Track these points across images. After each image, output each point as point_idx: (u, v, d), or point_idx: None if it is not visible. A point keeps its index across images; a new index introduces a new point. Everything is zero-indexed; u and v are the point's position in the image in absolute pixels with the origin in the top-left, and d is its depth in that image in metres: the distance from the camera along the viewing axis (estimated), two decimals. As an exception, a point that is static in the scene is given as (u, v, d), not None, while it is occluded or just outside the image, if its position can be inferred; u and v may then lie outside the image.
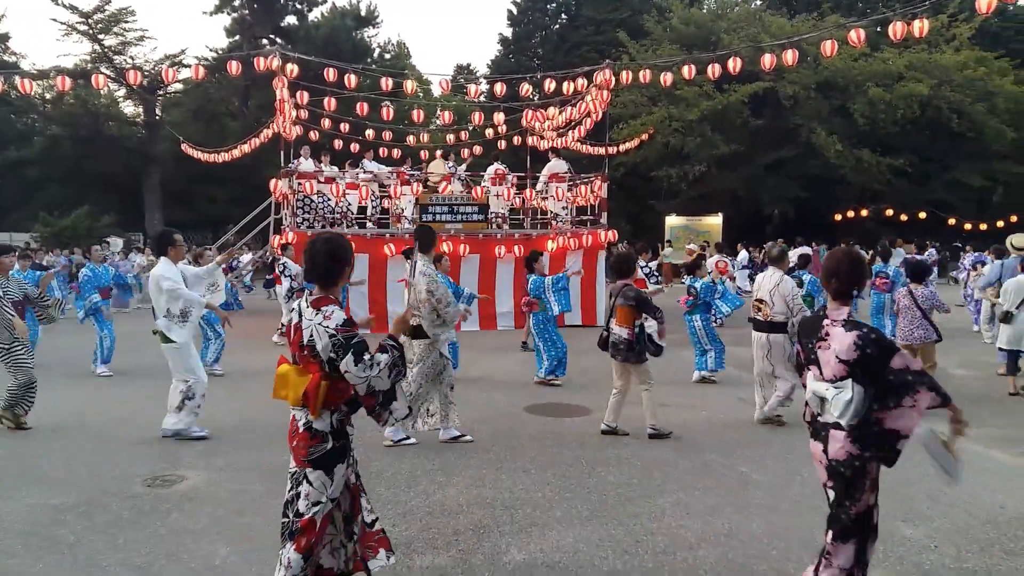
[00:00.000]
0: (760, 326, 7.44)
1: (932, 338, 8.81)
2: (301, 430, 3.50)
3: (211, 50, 37.38)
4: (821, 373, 3.47)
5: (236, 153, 19.84)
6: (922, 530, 4.83)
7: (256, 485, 5.62)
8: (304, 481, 3.49)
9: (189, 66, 31.28)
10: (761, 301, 7.39)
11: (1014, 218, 28.34)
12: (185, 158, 23.19)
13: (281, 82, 14.61)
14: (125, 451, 6.56)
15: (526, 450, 6.57)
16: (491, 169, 16.92)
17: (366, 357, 3.30)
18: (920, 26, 10.26)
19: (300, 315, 3.50)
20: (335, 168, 16.53)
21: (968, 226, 28.91)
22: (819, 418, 3.52)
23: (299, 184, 14.89)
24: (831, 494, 3.48)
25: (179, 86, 36.35)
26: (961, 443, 6.60)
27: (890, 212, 29.75)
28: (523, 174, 17.64)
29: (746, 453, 6.51)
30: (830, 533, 3.48)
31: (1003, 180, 29.72)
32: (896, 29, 10.23)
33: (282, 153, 15.25)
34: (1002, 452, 6.54)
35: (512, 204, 16.47)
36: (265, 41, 35.09)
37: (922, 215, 29.29)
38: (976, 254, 16.88)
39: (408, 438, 6.77)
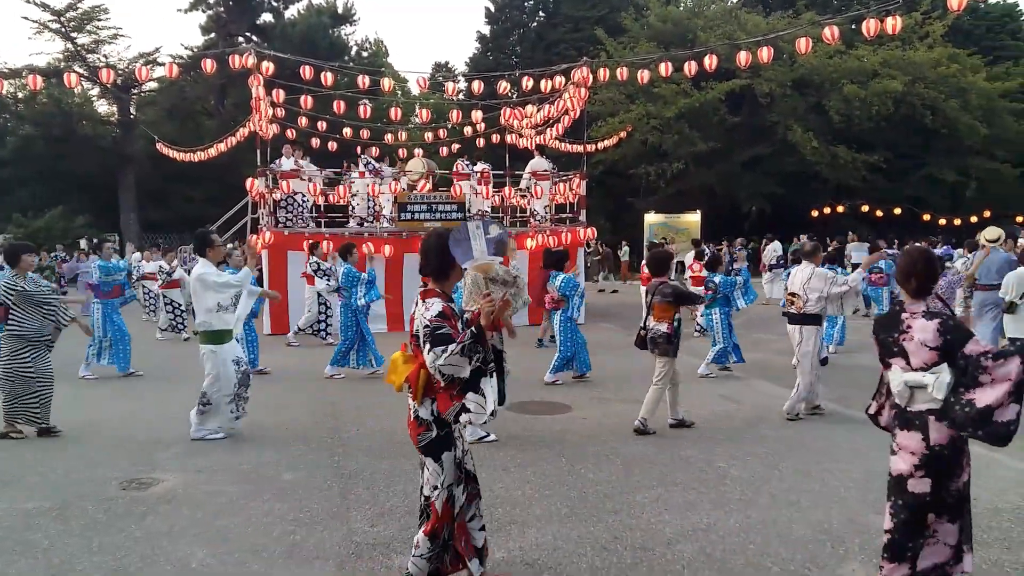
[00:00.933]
0: (794, 319, 7.67)
1: None
2: (411, 418, 3.69)
3: (186, 48, 37.16)
4: (909, 364, 3.60)
5: (212, 152, 19.65)
6: (897, 522, 4.88)
7: (233, 487, 5.58)
8: (422, 467, 3.74)
9: (163, 64, 30.98)
10: (794, 295, 7.60)
11: (987, 213, 28.74)
12: (160, 157, 22.97)
13: (257, 80, 14.48)
14: (100, 454, 6.48)
15: (506, 448, 6.57)
16: (478, 167, 16.87)
17: (439, 347, 3.36)
18: (893, 23, 10.36)
19: (415, 305, 3.67)
20: (314, 166, 16.44)
21: (943, 221, 29.28)
22: (909, 408, 3.64)
23: (278, 183, 14.79)
24: (923, 484, 3.59)
25: (154, 85, 35.96)
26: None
27: (866, 208, 30.06)
28: (502, 172, 17.62)
29: (725, 449, 6.55)
30: (940, 516, 3.63)
31: (976, 176, 30.13)
32: (870, 26, 10.32)
33: (258, 152, 15.13)
34: (976, 445, 6.60)
35: (492, 202, 16.47)
36: (241, 39, 34.82)
37: (897, 211, 29.61)
38: (945, 248, 17.08)
39: (488, 436, 6.80)
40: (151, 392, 9.21)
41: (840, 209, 30.53)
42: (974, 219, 26.84)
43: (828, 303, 7.68)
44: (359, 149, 18.73)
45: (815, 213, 30.53)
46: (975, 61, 30.18)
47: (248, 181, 14.97)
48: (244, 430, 7.09)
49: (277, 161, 15.78)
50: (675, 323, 7.13)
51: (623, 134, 26.17)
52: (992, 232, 10.54)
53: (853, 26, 17.91)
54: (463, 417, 3.52)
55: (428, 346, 3.39)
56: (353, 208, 15.83)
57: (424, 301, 3.57)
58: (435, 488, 3.65)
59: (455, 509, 3.73)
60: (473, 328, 3.43)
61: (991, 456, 6.30)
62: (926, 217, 29.66)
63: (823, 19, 20.86)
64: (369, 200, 15.65)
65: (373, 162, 16.73)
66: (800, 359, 7.65)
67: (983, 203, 29.76)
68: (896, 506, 3.66)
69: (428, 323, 3.43)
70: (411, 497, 5.33)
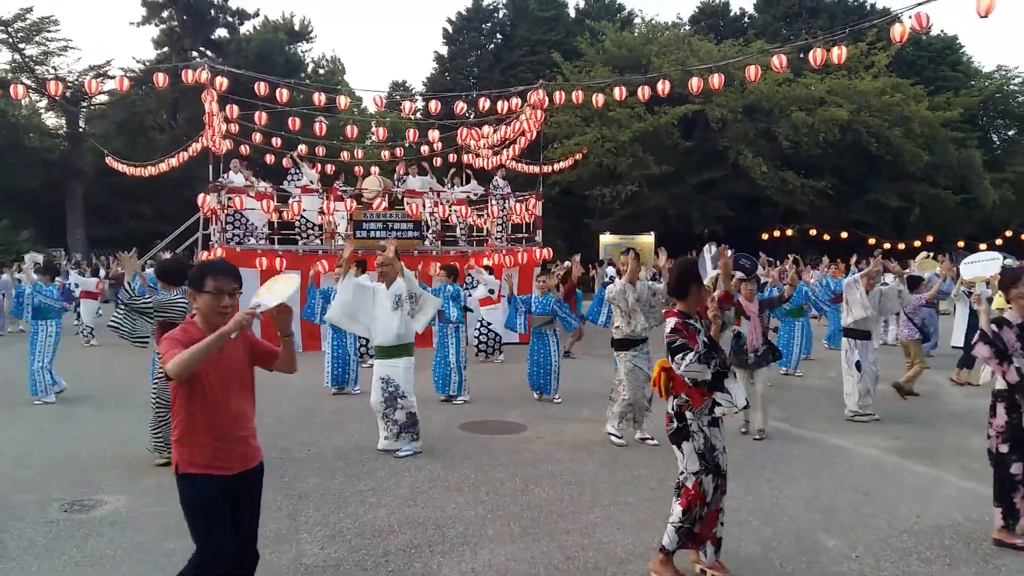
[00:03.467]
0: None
1: (915, 337, 9.97)
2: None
3: (138, 61, 36.57)
4: None
5: (163, 167, 19.33)
6: (843, 540, 4.98)
7: (179, 509, 5.43)
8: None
9: (115, 77, 30.39)
10: None
11: (930, 238, 29.72)
12: (110, 172, 22.52)
13: (210, 95, 14.33)
14: (41, 475, 6.27)
15: (460, 468, 6.54)
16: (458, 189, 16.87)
17: (678, 356, 4.19)
18: (839, 53, 10.70)
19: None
20: (264, 184, 16.26)
21: (887, 245, 30.14)
22: None
23: (229, 199, 14.60)
24: None
25: (104, 98, 35.28)
26: (880, 456, 6.84)
27: (813, 232, 30.79)
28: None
29: (675, 467, 6.59)
30: None
31: (919, 201, 31.11)
32: (817, 56, 10.65)
33: (211, 167, 14.94)
34: (920, 464, 6.80)
35: (447, 221, 16.49)
36: (195, 53, 34.40)
37: (843, 235, 30.40)
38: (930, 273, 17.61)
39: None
40: (95, 412, 8.94)
41: (789, 232, 31.24)
42: (917, 243, 27.70)
43: None
44: (287, 164, 18.49)
45: (765, 236, 31.17)
46: (918, 91, 31.26)
47: (200, 197, 14.76)
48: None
49: (225, 175, 15.60)
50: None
51: (579, 156, 26.47)
52: (925, 263, 11.10)
53: (801, 55, 18.46)
54: (716, 410, 4.32)
55: (670, 356, 4.24)
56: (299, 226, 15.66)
57: (666, 320, 4.45)
58: (681, 473, 4.41)
59: (706, 495, 4.32)
60: (706, 339, 4.29)
61: (935, 475, 6.48)
62: (871, 241, 30.51)
63: (772, 47, 21.46)
64: (306, 216, 15.51)
65: (302, 170, 16.48)
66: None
67: (925, 228, 30.75)
68: None
69: (666, 338, 4.28)
70: (363, 519, 5.28)
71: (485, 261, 14.97)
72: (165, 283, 6.61)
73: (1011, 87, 37.09)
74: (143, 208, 32.69)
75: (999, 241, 31.66)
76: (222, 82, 14.20)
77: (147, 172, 19.71)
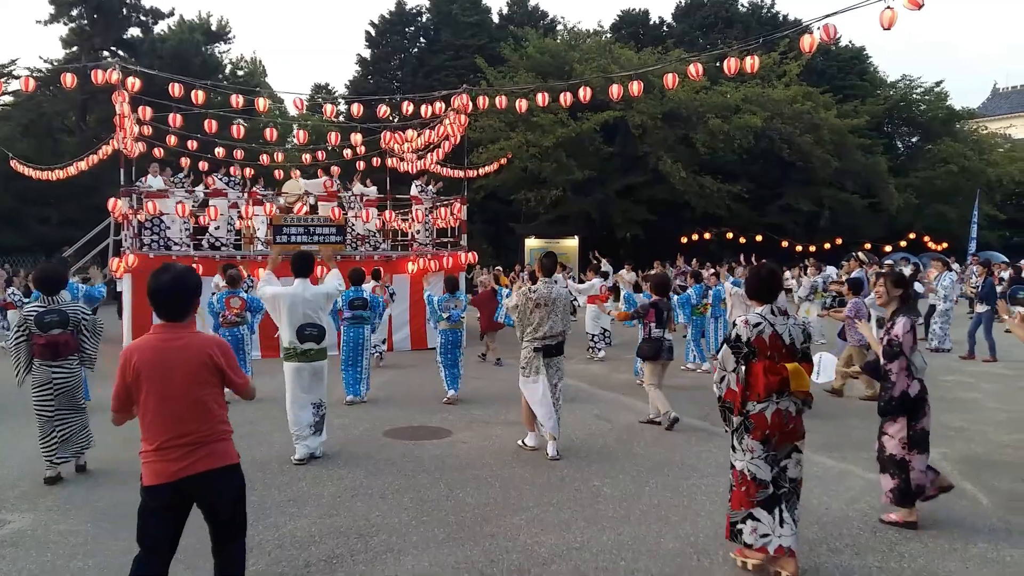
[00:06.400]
0: None
1: (862, 343, 9.79)
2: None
3: (45, 61, 34.82)
4: None
5: (72, 171, 18.52)
6: (757, 532, 5.14)
7: (89, 526, 5.24)
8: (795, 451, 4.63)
9: (19, 77, 28.97)
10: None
11: (839, 240, 30.96)
12: (14, 176, 21.38)
13: (122, 96, 13.81)
14: (-65, 497, 5.94)
15: (383, 475, 6.48)
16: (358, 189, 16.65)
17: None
18: (752, 62, 11.04)
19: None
20: (182, 191, 15.78)
21: (799, 248, 31.27)
22: None
23: (146, 204, 14.11)
24: None
25: (8, 99, 33.55)
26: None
27: (730, 235, 31.68)
28: (383, 196, 17.50)
29: (599, 467, 6.72)
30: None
31: (829, 205, 32.36)
32: (731, 64, 10.95)
33: (122, 171, 14.39)
34: (828, 458, 7.08)
35: (373, 225, 16.32)
36: (106, 53, 33.04)
37: (759, 238, 31.36)
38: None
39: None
40: (-3, 427, 8.52)
41: (707, 236, 32.04)
42: (827, 246, 28.83)
43: None
44: (204, 166, 18.05)
45: (684, 239, 31.91)
46: (827, 99, 32.54)
47: (111, 201, 14.22)
48: (101, 464, 6.68)
49: (143, 179, 15.07)
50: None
51: (503, 161, 26.55)
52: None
53: (717, 64, 18.96)
54: None
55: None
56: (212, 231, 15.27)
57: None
58: None
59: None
60: None
61: (843, 468, 6.76)
62: (784, 244, 31.61)
63: (690, 56, 21.97)
64: (227, 221, 15.15)
65: (224, 179, 16.16)
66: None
67: (835, 231, 32.03)
68: None
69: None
70: (282, 530, 5.18)
71: (409, 266, 14.92)
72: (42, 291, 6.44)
73: (914, 96, 38.97)
74: (51, 213, 31.21)
75: (903, 243, 33.25)
76: (134, 83, 13.70)
77: (55, 176, 18.86)
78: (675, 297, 11.74)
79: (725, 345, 4.55)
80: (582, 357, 13.64)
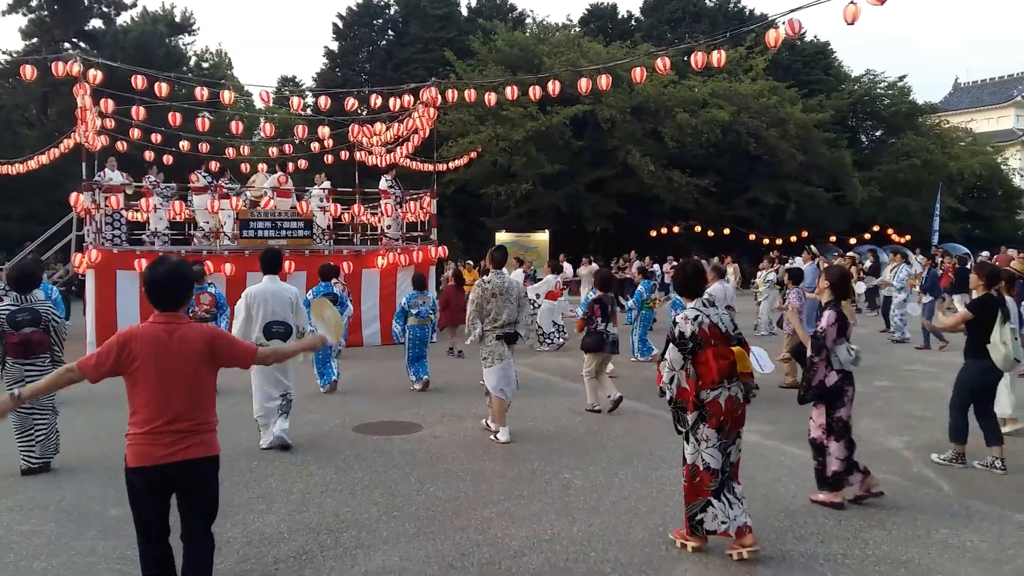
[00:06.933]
0: None
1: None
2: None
3: (4, 53, 33.93)
4: None
5: (33, 165, 18.16)
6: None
7: (51, 526, 5.14)
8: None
9: (-24, 69, 28.31)
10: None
11: (805, 233, 31.39)
12: (-27, 170, 20.91)
13: (83, 89, 13.55)
14: None
15: (354, 471, 6.45)
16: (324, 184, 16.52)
17: None
18: (719, 57, 11.14)
19: None
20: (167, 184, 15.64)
21: (766, 240, 31.68)
22: None
23: (105, 198, 13.87)
24: None
25: (-35, 91, 32.76)
26: (760, 441, 7.14)
27: (699, 228, 32.00)
28: (351, 189, 17.37)
29: (570, 460, 6.75)
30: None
31: (794, 199, 32.76)
32: (698, 59, 11.05)
33: (84, 165, 14.12)
34: (796, 447, 7.17)
35: (340, 219, 16.22)
36: (67, 45, 32.40)
37: (726, 231, 31.72)
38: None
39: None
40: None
41: (676, 229, 32.33)
42: (793, 239, 29.23)
43: None
44: (168, 160, 17.88)
45: (654, 233, 32.15)
46: (792, 93, 32.92)
47: (73, 196, 13.95)
48: (65, 462, 6.57)
49: (102, 173, 14.82)
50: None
51: (473, 155, 26.50)
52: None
53: (685, 58, 19.11)
54: None
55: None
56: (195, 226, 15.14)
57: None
58: None
59: None
60: None
61: (810, 458, 6.85)
62: (752, 237, 31.97)
63: (658, 50, 22.07)
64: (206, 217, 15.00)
65: (208, 176, 16.08)
66: None
67: (801, 224, 32.47)
68: None
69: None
70: (251, 527, 5.13)
71: (379, 260, 14.84)
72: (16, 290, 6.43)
73: (878, 91, 39.55)
74: (11, 208, 30.51)
75: (867, 236, 33.80)
76: (96, 75, 13.46)
77: (15, 170, 18.48)
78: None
79: (671, 345, 4.63)
80: (540, 351, 14.01)
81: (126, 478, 3.60)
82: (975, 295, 6.97)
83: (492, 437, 7.51)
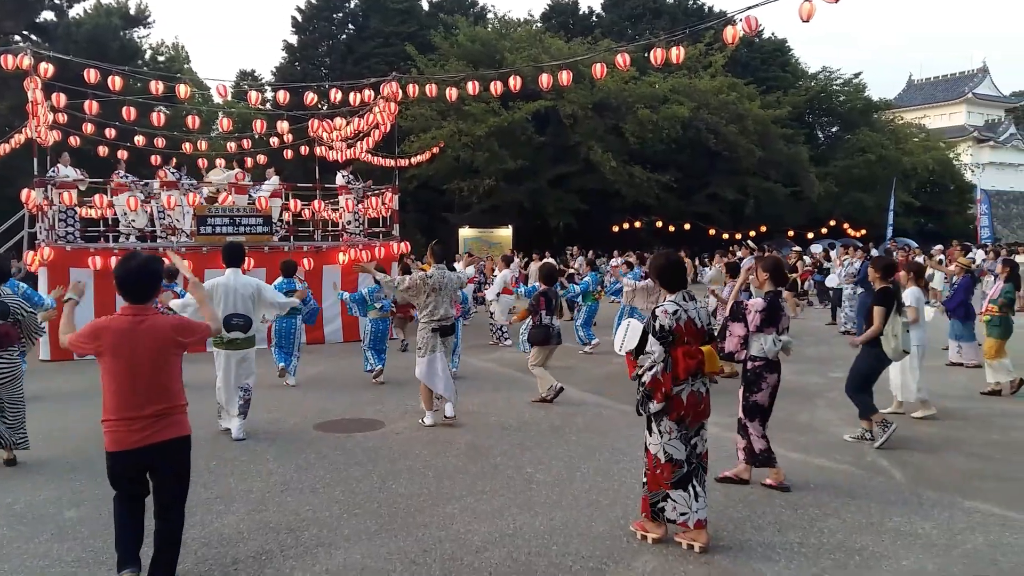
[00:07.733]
0: None
1: None
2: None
3: (-50, 45, 32.93)
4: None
5: (-19, 160, 17.64)
6: (685, 513, 5.27)
7: (4, 529, 5.02)
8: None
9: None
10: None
11: (764, 228, 31.87)
12: (-83, 166, 20.27)
13: (34, 82, 13.19)
14: None
15: (315, 469, 6.40)
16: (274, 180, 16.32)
17: None
18: (678, 53, 11.19)
19: None
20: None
21: (726, 235, 32.07)
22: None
23: (59, 195, 13.55)
24: None
25: (-93, 84, 31.66)
26: (718, 433, 7.24)
27: (660, 223, 32.29)
28: (311, 184, 17.19)
29: (532, 454, 6.78)
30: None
31: (753, 194, 33.27)
32: (657, 55, 11.11)
33: (35, 160, 13.77)
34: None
35: (300, 215, 16.03)
36: (18, 37, 31.46)
37: (687, 226, 32.06)
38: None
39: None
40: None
41: (638, 224, 32.59)
42: (752, 233, 29.63)
43: None
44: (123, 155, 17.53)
45: (616, 228, 32.37)
46: (751, 90, 33.40)
47: (24, 192, 13.60)
48: (19, 464, 6.41)
49: (55, 169, 14.48)
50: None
51: (435, 150, 26.40)
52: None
53: (645, 54, 19.23)
54: None
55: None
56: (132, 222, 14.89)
57: None
58: None
59: None
60: None
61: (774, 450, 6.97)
62: (711, 232, 32.35)
63: (618, 46, 22.18)
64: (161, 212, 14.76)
65: (177, 173, 15.89)
66: None
67: (760, 219, 32.95)
68: None
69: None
70: (209, 527, 5.07)
71: (340, 256, 14.72)
72: None
73: (834, 87, 40.31)
74: (-41, 205, 29.69)
75: (824, 230, 34.40)
76: (47, 68, 13.11)
77: (-39, 165, 17.96)
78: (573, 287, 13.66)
79: (651, 336, 4.67)
80: (493, 346, 14.09)
81: (107, 460, 3.95)
82: (876, 287, 7.33)
83: (420, 420, 7.89)
